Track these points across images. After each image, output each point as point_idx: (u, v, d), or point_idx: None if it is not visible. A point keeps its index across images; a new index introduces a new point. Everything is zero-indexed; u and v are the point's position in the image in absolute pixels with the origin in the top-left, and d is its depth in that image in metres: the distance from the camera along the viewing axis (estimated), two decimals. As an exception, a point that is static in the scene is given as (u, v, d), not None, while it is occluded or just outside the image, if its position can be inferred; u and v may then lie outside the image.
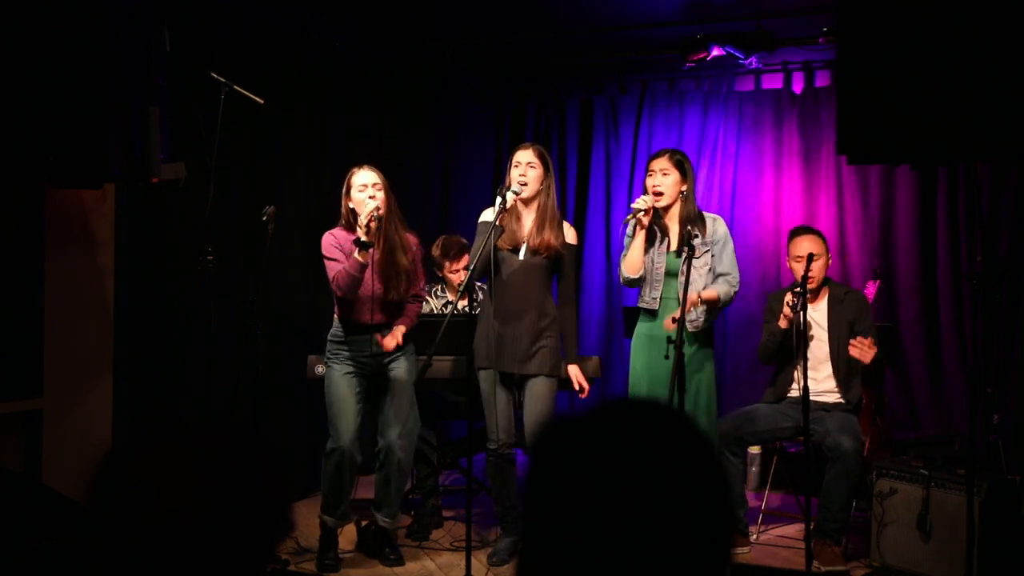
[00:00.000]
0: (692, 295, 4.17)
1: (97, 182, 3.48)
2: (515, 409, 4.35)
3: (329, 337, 4.35)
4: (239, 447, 1.10)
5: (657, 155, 4.42)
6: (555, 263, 4.27)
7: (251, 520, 1.06)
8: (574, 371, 4.30)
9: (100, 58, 3.11)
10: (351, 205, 4.21)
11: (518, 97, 7.10)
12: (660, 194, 4.30)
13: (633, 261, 4.31)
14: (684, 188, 4.33)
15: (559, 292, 4.36)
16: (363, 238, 4.06)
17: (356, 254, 4.09)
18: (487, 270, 4.14)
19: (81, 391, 4.13)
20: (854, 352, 4.44)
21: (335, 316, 4.34)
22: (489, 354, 4.23)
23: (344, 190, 4.25)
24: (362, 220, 4.06)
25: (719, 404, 4.84)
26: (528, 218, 4.25)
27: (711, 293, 4.28)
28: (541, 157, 4.23)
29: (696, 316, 4.29)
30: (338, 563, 4.32)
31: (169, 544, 1.01)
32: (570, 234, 4.32)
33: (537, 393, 4.22)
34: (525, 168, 4.19)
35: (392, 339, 4.28)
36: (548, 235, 4.19)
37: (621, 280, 4.41)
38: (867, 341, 4.42)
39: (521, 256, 4.20)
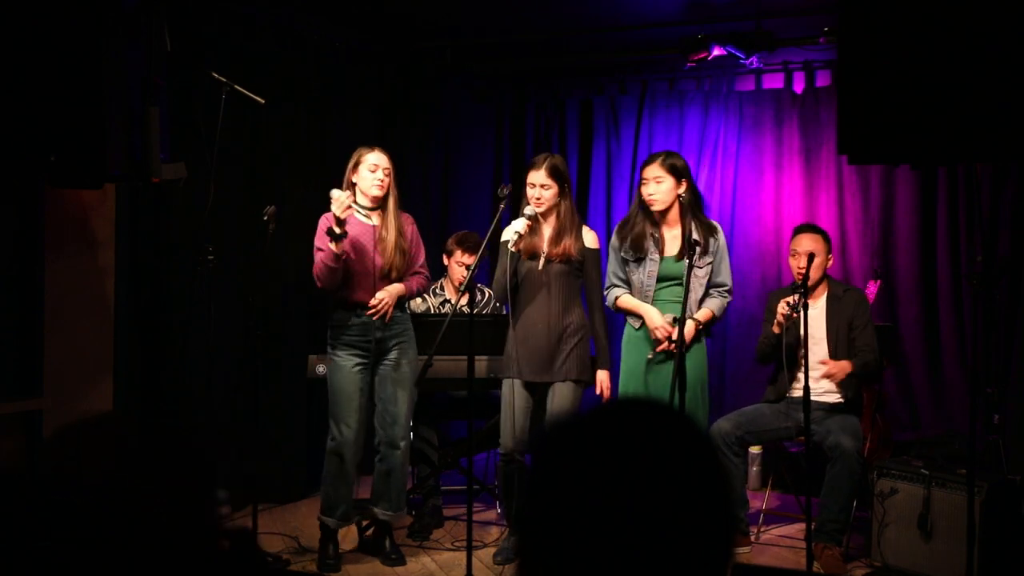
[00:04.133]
0: (690, 325, 4.20)
1: (97, 182, 3.48)
2: (531, 418, 4.33)
3: (331, 322, 4.30)
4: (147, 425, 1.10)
5: (648, 161, 4.38)
6: (578, 269, 4.28)
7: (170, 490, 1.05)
8: (602, 375, 4.30)
9: (100, 58, 3.12)
10: (354, 180, 4.24)
11: (518, 97, 7.10)
12: (654, 201, 4.31)
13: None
14: (681, 192, 4.30)
15: (587, 298, 4.36)
16: (336, 230, 4.08)
17: (330, 245, 4.10)
18: (506, 296, 4.24)
19: (81, 391, 4.12)
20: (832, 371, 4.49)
21: (338, 301, 4.29)
22: (514, 363, 4.26)
23: (352, 165, 4.25)
24: (337, 212, 4.07)
25: (720, 404, 4.86)
26: (547, 229, 4.28)
27: (706, 314, 4.33)
28: (554, 174, 4.22)
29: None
30: (339, 563, 4.31)
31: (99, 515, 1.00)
32: (590, 238, 4.32)
33: (561, 397, 4.23)
34: (539, 190, 4.22)
35: (384, 294, 4.23)
36: (566, 244, 4.22)
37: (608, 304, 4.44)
38: (834, 366, 4.48)
39: (540, 265, 4.22)
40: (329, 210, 4.17)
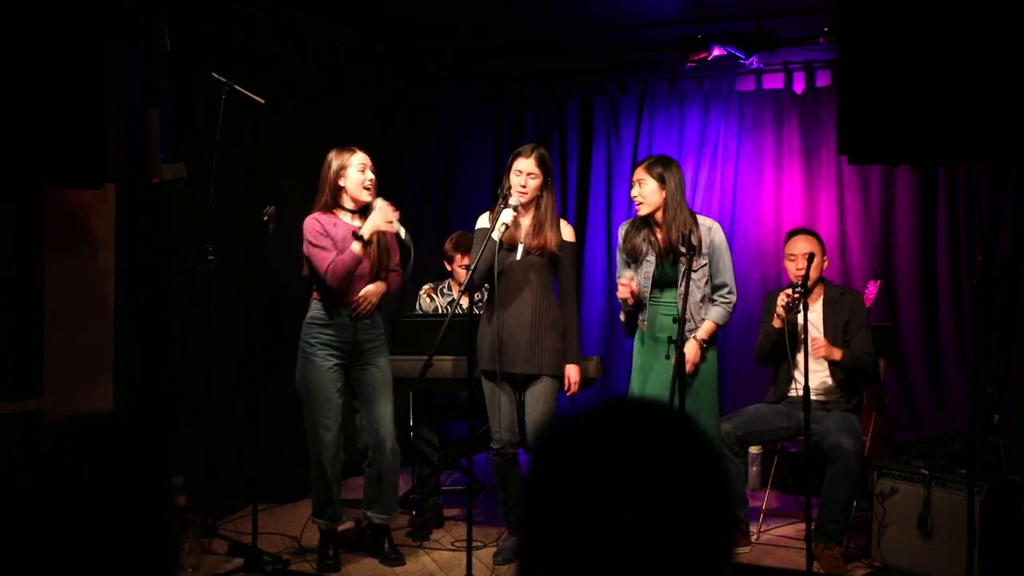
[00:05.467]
0: (693, 347, 4.23)
1: (97, 182, 3.48)
2: (517, 408, 4.34)
3: (308, 320, 4.24)
4: (121, 432, 1.08)
5: (636, 165, 4.46)
6: (554, 262, 4.27)
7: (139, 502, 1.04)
8: (571, 371, 4.28)
9: (100, 58, 3.12)
10: (342, 184, 4.21)
11: (518, 97, 7.10)
12: (640, 203, 4.32)
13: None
14: (664, 194, 4.28)
15: (559, 290, 4.36)
16: (366, 236, 4.10)
17: (354, 247, 4.10)
18: (486, 281, 4.20)
19: (81, 391, 4.13)
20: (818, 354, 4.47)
21: (314, 299, 4.26)
22: (491, 356, 4.23)
23: (336, 169, 4.20)
24: (380, 224, 4.11)
25: (720, 404, 4.84)
26: (525, 219, 4.26)
27: (708, 327, 4.31)
28: (541, 164, 4.21)
29: (696, 325, 4.30)
30: (339, 563, 4.31)
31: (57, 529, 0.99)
32: (567, 232, 4.32)
33: (539, 393, 4.22)
34: (526, 178, 4.20)
35: (370, 291, 4.21)
36: (545, 236, 4.20)
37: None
38: (821, 342, 4.47)
39: (518, 255, 4.21)
40: (311, 214, 4.20)
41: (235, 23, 5.02)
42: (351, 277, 4.14)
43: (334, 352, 4.22)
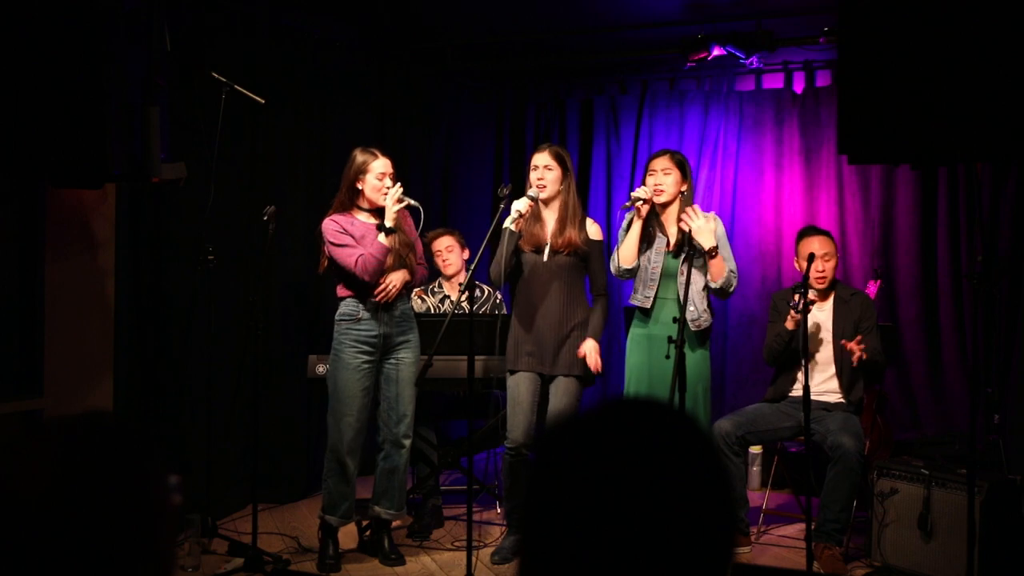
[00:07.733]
0: (709, 223, 4.21)
1: (97, 182, 3.48)
2: (539, 410, 4.35)
3: (339, 317, 4.26)
4: (97, 436, 1.07)
5: (658, 154, 4.47)
6: (582, 261, 4.29)
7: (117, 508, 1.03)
8: (589, 346, 4.23)
9: (100, 58, 3.12)
10: (360, 187, 4.21)
11: (518, 97, 7.10)
12: (661, 191, 4.34)
13: (628, 251, 4.34)
14: (684, 188, 4.38)
15: (591, 288, 4.38)
16: (388, 224, 4.13)
17: (381, 239, 4.14)
18: (510, 275, 4.23)
19: (81, 391, 4.13)
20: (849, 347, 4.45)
21: (345, 296, 4.26)
22: (517, 356, 4.28)
23: (353, 173, 4.21)
24: (392, 207, 4.13)
25: (720, 404, 4.86)
26: (550, 218, 4.28)
27: (718, 262, 4.26)
28: (558, 158, 4.26)
29: (699, 315, 4.31)
30: (339, 563, 4.31)
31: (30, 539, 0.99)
32: (593, 230, 4.34)
33: (563, 390, 4.25)
34: (543, 171, 4.23)
35: (392, 277, 4.22)
36: (570, 233, 4.22)
37: (613, 270, 4.42)
38: (854, 344, 4.43)
39: (545, 257, 4.22)
40: (329, 215, 4.21)
41: (235, 23, 5.02)
42: (382, 269, 4.17)
43: (364, 349, 4.23)
